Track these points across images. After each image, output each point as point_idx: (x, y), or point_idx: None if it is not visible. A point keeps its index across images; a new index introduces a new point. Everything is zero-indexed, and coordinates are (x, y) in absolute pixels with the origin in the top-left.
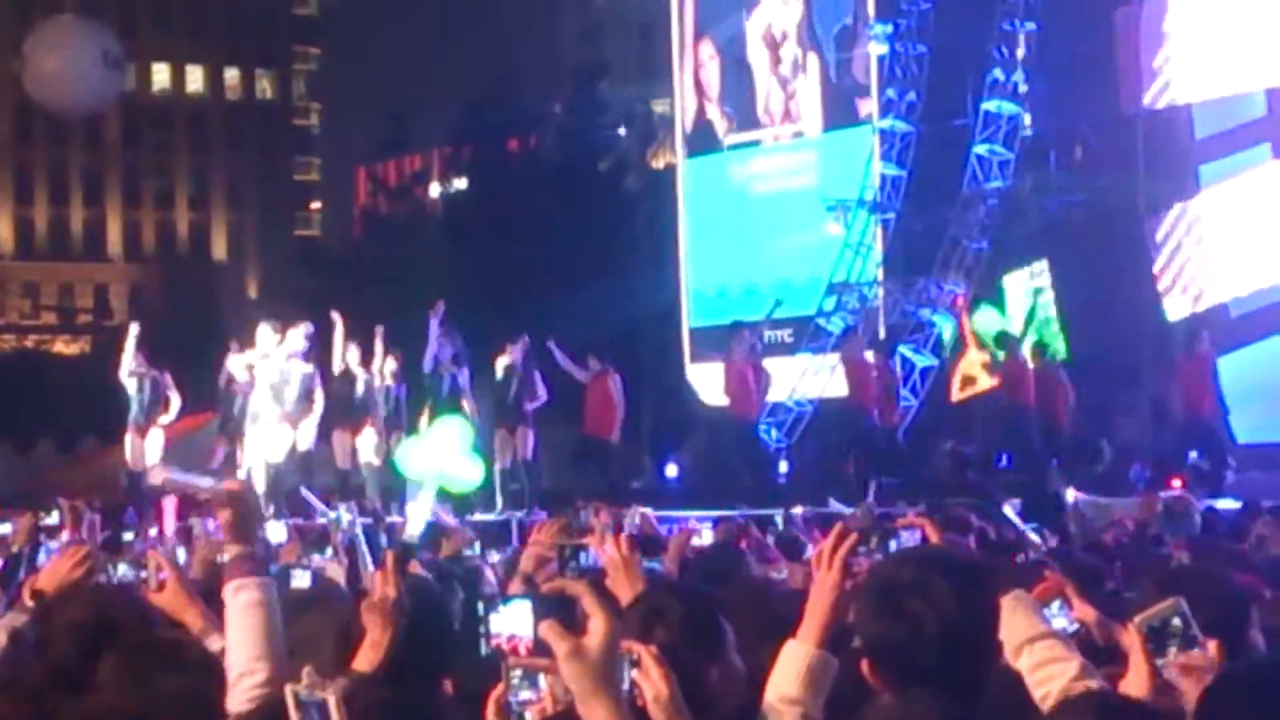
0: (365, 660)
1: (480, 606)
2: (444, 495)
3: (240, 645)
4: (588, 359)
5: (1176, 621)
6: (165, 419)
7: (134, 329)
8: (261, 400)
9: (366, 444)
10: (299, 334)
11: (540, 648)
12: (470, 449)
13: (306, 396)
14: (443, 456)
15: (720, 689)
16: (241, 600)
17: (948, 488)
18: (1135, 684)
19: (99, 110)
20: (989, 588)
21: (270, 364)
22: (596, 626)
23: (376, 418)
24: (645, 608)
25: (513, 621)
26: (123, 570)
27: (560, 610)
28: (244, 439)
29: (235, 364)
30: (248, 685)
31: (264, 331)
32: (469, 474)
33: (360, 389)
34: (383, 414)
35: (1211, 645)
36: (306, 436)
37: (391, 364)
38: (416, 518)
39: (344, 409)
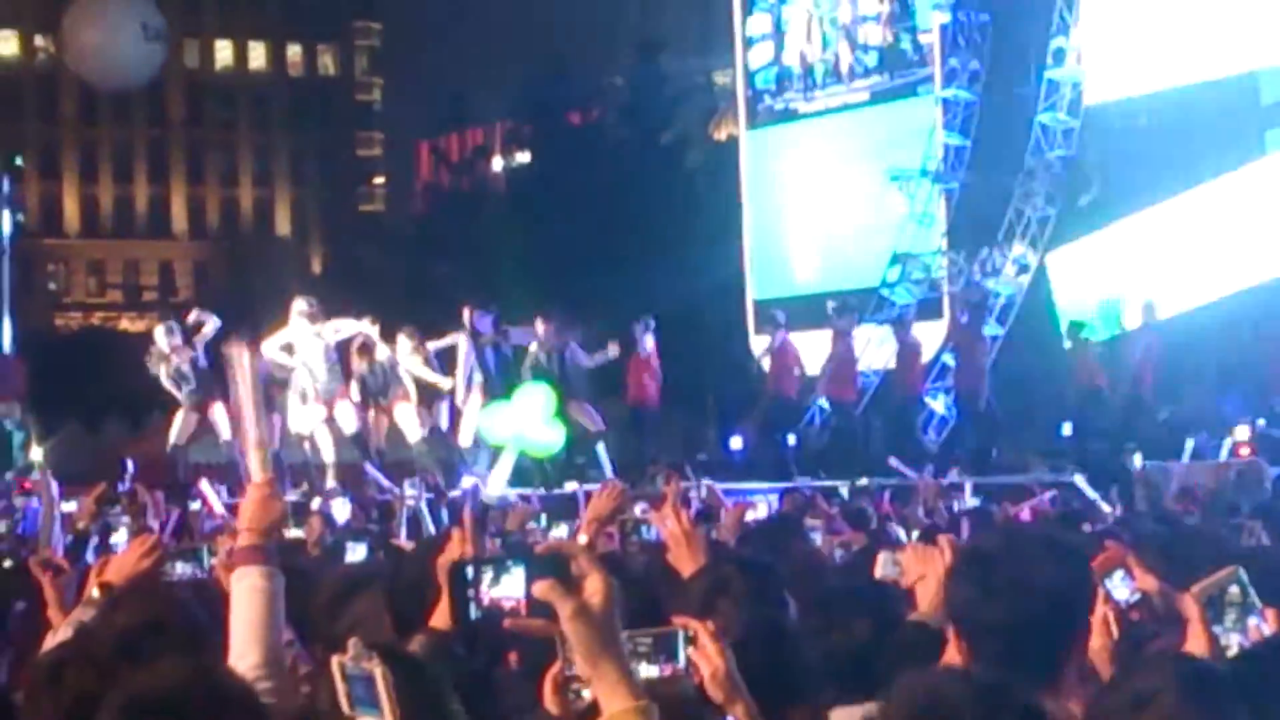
0: (442, 619)
1: (469, 570)
2: (525, 458)
3: (237, 629)
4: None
5: (1234, 589)
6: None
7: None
8: (303, 378)
9: (406, 420)
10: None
11: (534, 609)
12: (554, 415)
13: (337, 379)
14: (525, 422)
15: None
16: (245, 586)
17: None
18: (1194, 652)
19: (139, 83)
20: (1083, 565)
21: (309, 343)
22: (594, 585)
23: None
24: (709, 580)
25: (515, 585)
26: (181, 568)
27: (554, 572)
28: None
29: (271, 348)
30: (240, 670)
31: (298, 306)
32: (550, 438)
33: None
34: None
35: (1270, 614)
36: (347, 418)
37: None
38: (497, 480)
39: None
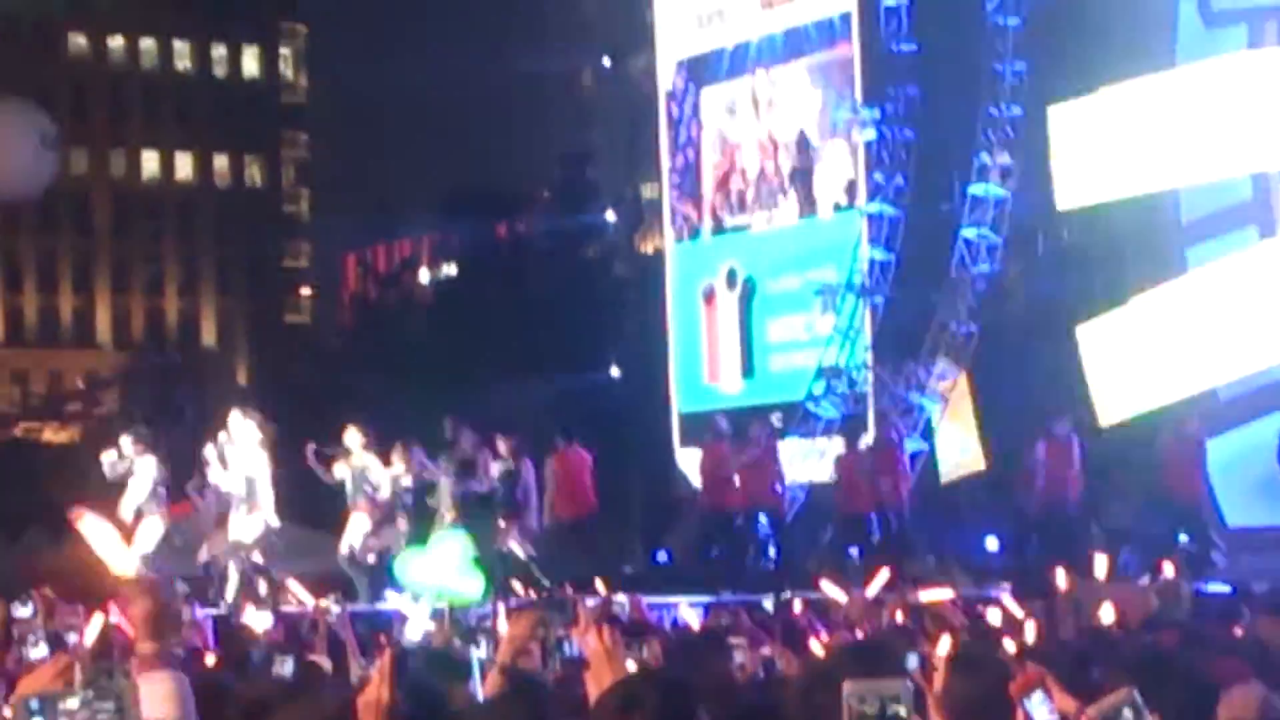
0: None
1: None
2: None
3: None
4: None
5: (1128, 713)
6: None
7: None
8: (234, 487)
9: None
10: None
11: None
12: (471, 564)
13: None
14: (443, 573)
15: None
16: (152, 690)
17: None
18: None
19: (35, 194)
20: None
21: (242, 452)
22: None
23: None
24: (621, 695)
25: None
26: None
27: None
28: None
29: (210, 452)
30: None
31: (234, 417)
32: (469, 589)
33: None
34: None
35: None
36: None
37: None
38: (415, 626)
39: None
